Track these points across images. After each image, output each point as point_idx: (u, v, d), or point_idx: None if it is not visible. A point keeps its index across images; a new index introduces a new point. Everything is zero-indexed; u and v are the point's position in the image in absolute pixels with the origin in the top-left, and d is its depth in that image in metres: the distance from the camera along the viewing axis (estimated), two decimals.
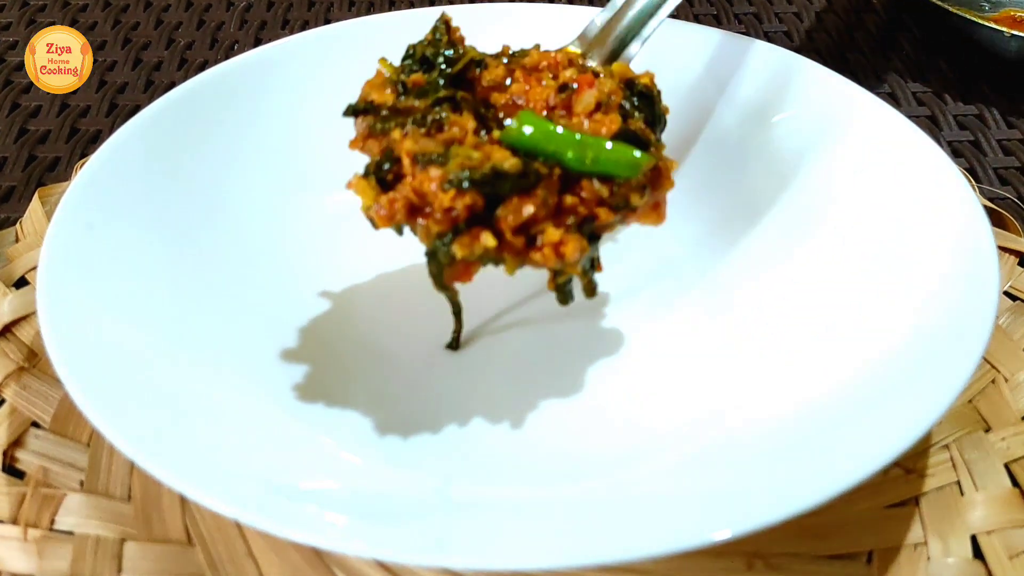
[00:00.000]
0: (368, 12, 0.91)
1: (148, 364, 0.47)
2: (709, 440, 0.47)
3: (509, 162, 0.42)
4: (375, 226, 0.45)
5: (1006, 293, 0.58)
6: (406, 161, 0.44)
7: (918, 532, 0.46)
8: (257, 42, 0.88)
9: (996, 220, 0.62)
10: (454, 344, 0.54)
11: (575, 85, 0.48)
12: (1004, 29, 0.75)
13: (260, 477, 0.43)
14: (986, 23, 0.77)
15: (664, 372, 0.53)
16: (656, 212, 0.47)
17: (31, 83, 0.82)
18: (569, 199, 0.43)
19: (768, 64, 0.63)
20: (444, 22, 0.50)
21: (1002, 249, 0.60)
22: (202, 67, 0.65)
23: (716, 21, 0.93)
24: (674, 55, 0.65)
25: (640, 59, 0.66)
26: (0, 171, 0.72)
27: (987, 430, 0.51)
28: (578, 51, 0.54)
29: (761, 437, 0.46)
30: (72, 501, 0.48)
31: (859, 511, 0.47)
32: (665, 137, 0.64)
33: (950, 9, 0.79)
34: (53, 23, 0.90)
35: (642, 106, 0.49)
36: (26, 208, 0.64)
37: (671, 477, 0.45)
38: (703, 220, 0.61)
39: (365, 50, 0.52)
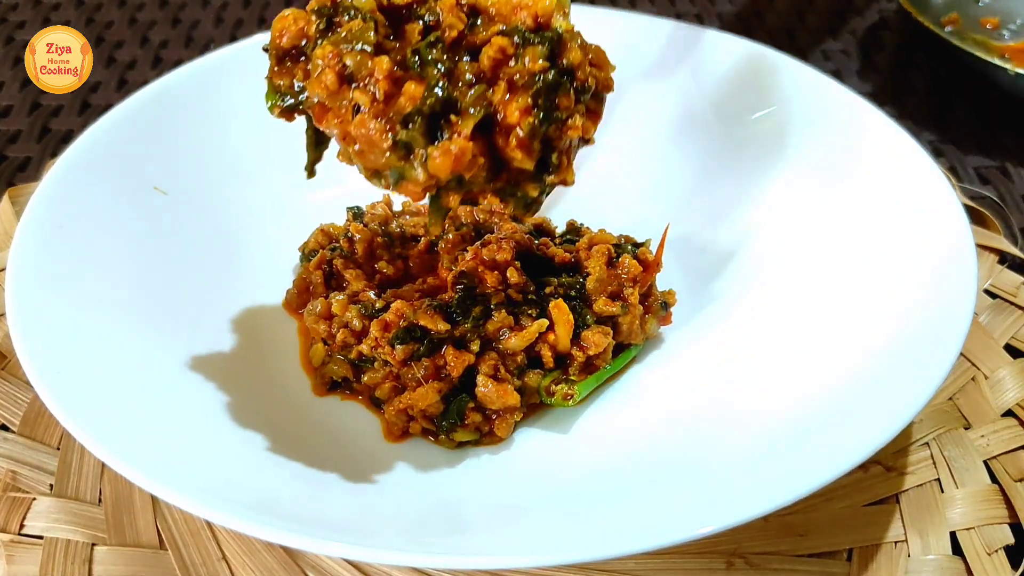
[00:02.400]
0: None
1: (119, 365, 0.46)
2: (688, 439, 0.47)
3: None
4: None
5: (986, 291, 0.59)
6: None
7: (898, 529, 0.46)
8: (232, 40, 0.87)
9: (977, 218, 0.62)
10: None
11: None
12: (1008, 67, 0.71)
13: (234, 479, 0.42)
14: (993, 59, 0.73)
15: (645, 375, 0.53)
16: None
17: (2, 82, 0.81)
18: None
19: (748, 61, 0.63)
20: None
21: (982, 247, 0.60)
22: (176, 65, 0.64)
23: (698, 20, 0.92)
24: (657, 53, 0.65)
25: (622, 57, 0.66)
26: None
27: (967, 427, 0.51)
28: None
29: (740, 434, 0.45)
30: (42, 505, 0.47)
31: (839, 509, 0.47)
32: (653, 137, 0.64)
33: (957, 44, 0.74)
34: (24, 22, 0.89)
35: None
36: None
37: (652, 475, 0.45)
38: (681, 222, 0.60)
39: None
